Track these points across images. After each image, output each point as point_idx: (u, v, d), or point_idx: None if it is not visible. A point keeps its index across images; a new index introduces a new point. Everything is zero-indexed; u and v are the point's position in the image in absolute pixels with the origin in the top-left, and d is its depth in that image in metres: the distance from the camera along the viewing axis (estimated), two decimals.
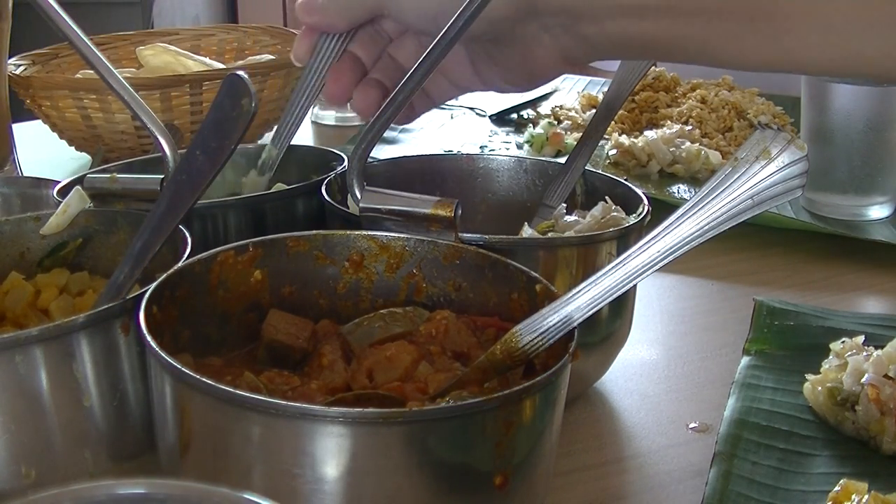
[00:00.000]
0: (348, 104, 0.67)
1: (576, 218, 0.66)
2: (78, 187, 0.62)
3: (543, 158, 0.96)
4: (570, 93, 1.44)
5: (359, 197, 0.56)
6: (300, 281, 0.54)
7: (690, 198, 0.46)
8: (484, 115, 1.34)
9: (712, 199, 0.44)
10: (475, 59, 0.65)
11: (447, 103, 1.26)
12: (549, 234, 0.65)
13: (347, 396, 0.47)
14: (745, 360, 0.67)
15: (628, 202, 0.65)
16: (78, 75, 1.10)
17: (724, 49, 0.56)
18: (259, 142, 0.76)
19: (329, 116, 1.35)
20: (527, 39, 0.61)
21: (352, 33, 0.67)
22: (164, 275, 0.48)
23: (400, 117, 0.62)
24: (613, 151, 1.12)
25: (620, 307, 0.62)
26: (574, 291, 0.45)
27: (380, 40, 0.68)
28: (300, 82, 0.69)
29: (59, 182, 0.65)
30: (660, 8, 0.56)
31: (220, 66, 1.19)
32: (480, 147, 1.20)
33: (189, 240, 0.54)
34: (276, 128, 0.71)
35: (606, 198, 0.65)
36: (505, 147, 1.21)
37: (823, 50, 0.53)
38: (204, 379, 0.39)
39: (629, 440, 0.61)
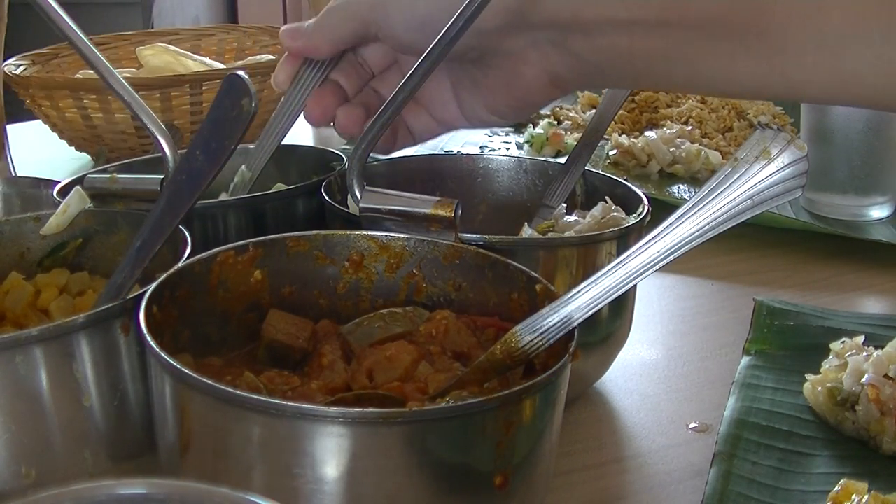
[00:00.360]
0: (332, 125, 0.66)
1: (576, 218, 0.66)
2: (78, 187, 0.62)
3: (543, 158, 0.96)
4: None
5: (359, 197, 0.56)
6: (300, 281, 0.54)
7: (690, 198, 0.46)
8: None
9: (712, 199, 0.44)
10: (458, 88, 0.64)
11: None
12: (549, 234, 0.65)
13: (347, 396, 0.47)
14: (745, 360, 0.67)
15: (628, 202, 0.65)
16: (78, 75, 1.10)
17: (716, 69, 0.54)
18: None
19: None
20: (514, 57, 0.60)
21: (334, 62, 0.67)
22: (164, 275, 0.48)
23: (380, 145, 0.62)
24: (613, 151, 1.12)
25: (620, 307, 0.62)
26: (574, 291, 0.45)
27: (362, 72, 0.68)
28: (278, 109, 0.68)
29: (59, 182, 0.65)
30: (651, 23, 0.55)
31: (220, 66, 1.19)
32: (480, 147, 1.20)
33: (189, 240, 0.53)
34: (251, 151, 0.70)
35: (606, 198, 0.65)
36: (505, 147, 1.20)
37: (818, 69, 0.51)
38: (204, 379, 0.39)
39: (629, 440, 0.61)
